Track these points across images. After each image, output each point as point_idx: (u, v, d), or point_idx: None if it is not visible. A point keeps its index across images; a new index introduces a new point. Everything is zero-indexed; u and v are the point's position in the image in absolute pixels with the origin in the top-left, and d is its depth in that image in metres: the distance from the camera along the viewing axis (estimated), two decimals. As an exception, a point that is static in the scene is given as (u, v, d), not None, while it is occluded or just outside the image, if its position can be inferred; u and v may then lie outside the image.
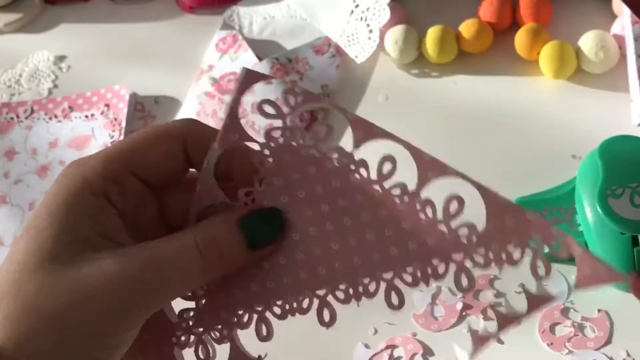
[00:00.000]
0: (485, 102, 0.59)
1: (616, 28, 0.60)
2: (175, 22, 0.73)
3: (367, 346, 0.48)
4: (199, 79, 0.66)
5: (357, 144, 0.30)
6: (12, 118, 0.67)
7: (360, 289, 0.30)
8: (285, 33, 0.69)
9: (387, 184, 0.29)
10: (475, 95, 0.59)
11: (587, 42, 0.58)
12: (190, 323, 0.32)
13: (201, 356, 0.33)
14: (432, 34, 0.61)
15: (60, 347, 0.26)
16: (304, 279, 0.31)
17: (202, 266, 0.29)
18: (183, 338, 0.33)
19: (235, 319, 0.32)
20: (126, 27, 0.74)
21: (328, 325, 0.31)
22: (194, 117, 0.63)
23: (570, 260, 0.51)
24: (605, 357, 0.45)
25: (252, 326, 0.32)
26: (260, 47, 0.67)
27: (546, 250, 0.49)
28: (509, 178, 0.54)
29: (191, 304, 0.33)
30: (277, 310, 0.31)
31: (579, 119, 0.57)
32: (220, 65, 0.66)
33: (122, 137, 0.63)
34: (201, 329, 0.32)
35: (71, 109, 0.67)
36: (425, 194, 0.29)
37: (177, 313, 0.33)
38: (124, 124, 0.64)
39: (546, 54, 0.58)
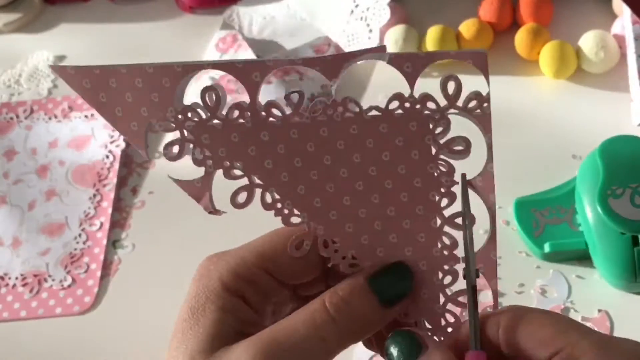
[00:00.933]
0: (485, 102, 0.59)
1: (616, 28, 0.60)
2: (175, 22, 0.73)
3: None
4: (199, 78, 0.66)
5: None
6: (11, 118, 0.67)
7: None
8: (285, 33, 0.69)
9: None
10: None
11: (588, 42, 0.58)
12: None
13: None
14: (432, 33, 0.61)
15: None
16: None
17: (333, 328, 0.28)
18: None
19: None
20: (126, 27, 0.74)
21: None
22: (193, 117, 0.63)
23: (570, 259, 0.51)
24: (606, 357, 0.45)
25: None
26: (260, 47, 0.67)
27: (547, 250, 0.50)
28: (509, 178, 0.54)
29: None
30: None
31: (579, 119, 0.57)
32: (220, 65, 0.66)
33: (121, 137, 0.63)
34: None
35: (71, 109, 0.67)
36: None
37: None
38: (123, 124, 0.64)
39: (546, 54, 0.58)
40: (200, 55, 0.69)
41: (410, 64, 0.29)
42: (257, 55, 0.66)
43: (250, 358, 0.27)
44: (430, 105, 0.29)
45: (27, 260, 0.58)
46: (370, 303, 0.29)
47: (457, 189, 0.29)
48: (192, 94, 0.67)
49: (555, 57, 0.58)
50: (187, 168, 0.66)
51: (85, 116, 0.66)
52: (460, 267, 0.30)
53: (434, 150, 0.29)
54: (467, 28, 0.61)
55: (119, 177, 0.61)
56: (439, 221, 0.29)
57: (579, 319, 0.47)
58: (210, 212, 0.32)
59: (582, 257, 0.49)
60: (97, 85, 0.29)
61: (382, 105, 0.29)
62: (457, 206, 0.29)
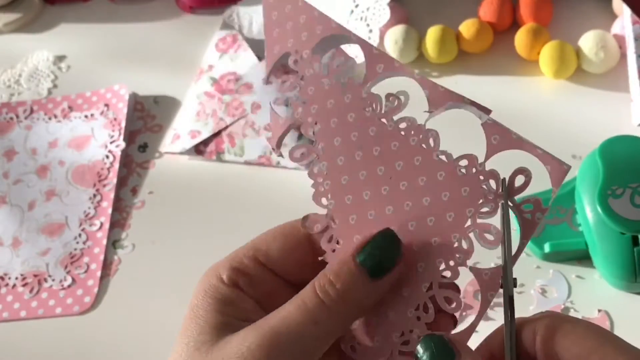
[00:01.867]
0: (485, 102, 0.58)
1: (616, 28, 0.60)
2: (175, 22, 0.73)
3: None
4: (199, 78, 0.66)
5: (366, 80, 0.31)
6: (11, 118, 0.67)
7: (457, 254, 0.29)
8: (285, 33, 0.69)
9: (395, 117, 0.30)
10: (475, 95, 0.59)
11: (587, 42, 0.58)
12: None
13: None
14: (432, 34, 0.61)
15: None
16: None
17: (327, 312, 0.28)
18: None
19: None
20: (126, 27, 0.74)
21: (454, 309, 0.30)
22: (193, 116, 0.63)
23: (570, 259, 0.51)
24: (606, 357, 0.45)
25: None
26: (260, 47, 0.67)
27: (547, 250, 0.50)
28: (509, 178, 0.54)
29: None
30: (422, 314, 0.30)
31: (579, 119, 0.57)
32: (220, 65, 0.66)
33: (121, 137, 0.63)
34: None
35: (71, 108, 0.67)
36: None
37: None
38: (123, 124, 0.64)
39: (546, 54, 0.58)
40: (200, 55, 0.69)
41: (499, 137, 0.31)
42: (257, 55, 0.65)
43: (248, 345, 0.27)
44: (492, 183, 0.29)
45: (27, 260, 0.58)
46: (359, 279, 0.29)
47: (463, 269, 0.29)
48: (191, 94, 0.66)
49: (555, 57, 0.58)
50: (187, 168, 0.66)
51: (85, 116, 0.66)
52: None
53: (468, 223, 0.29)
54: (467, 28, 0.61)
55: (119, 177, 0.61)
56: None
57: (579, 319, 0.47)
58: (272, 149, 0.33)
59: (582, 257, 0.49)
60: (278, 5, 0.32)
61: (454, 154, 0.30)
62: (460, 280, 0.29)
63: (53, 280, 0.56)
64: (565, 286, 0.49)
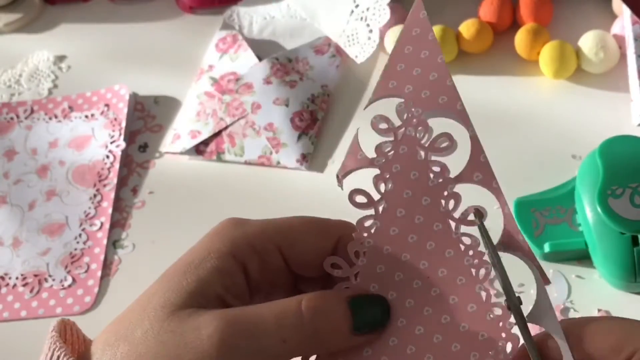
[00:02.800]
0: (485, 102, 0.59)
1: (616, 28, 0.60)
2: (175, 22, 0.73)
3: None
4: (199, 78, 0.66)
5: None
6: (12, 118, 0.67)
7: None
8: (285, 33, 0.69)
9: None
10: (475, 95, 0.59)
11: (587, 42, 0.58)
12: None
13: None
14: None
15: None
16: None
17: (300, 333, 0.27)
18: None
19: None
20: (126, 27, 0.74)
21: None
22: (194, 116, 0.63)
23: (570, 259, 0.51)
24: (606, 357, 0.45)
25: None
26: (260, 47, 0.67)
27: (547, 250, 0.50)
28: (509, 178, 0.54)
29: None
30: None
31: (579, 119, 0.57)
32: (220, 65, 0.66)
33: (122, 137, 0.63)
34: None
35: (71, 109, 0.67)
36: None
37: None
38: (123, 124, 0.64)
39: (546, 54, 0.58)
40: (200, 55, 0.69)
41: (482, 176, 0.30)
42: (257, 56, 0.66)
43: (210, 330, 0.26)
44: (508, 345, 0.29)
45: (28, 260, 0.58)
46: (343, 323, 0.28)
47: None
48: (192, 94, 0.66)
49: (555, 57, 0.58)
50: (188, 168, 0.66)
51: (86, 116, 0.66)
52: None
53: None
54: (467, 28, 0.61)
55: (119, 177, 0.61)
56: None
57: (578, 319, 0.47)
58: (337, 177, 0.31)
59: (582, 257, 0.49)
60: (417, 43, 0.31)
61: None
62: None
63: (53, 280, 0.56)
64: (565, 286, 0.49)
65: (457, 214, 0.29)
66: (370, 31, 0.63)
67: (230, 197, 0.59)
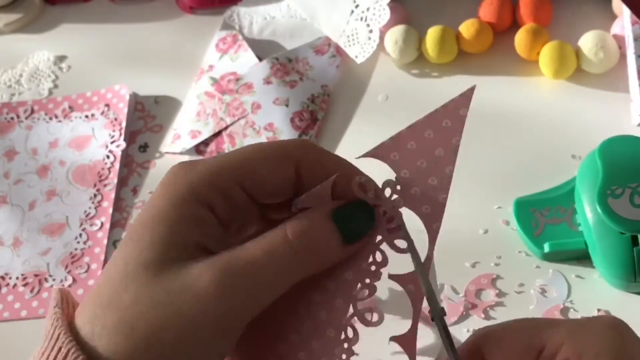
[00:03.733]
0: (485, 102, 0.59)
1: (616, 28, 0.60)
2: (175, 22, 0.73)
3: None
4: (199, 78, 0.66)
5: None
6: (12, 118, 0.67)
7: (345, 345, 0.29)
8: (285, 33, 0.69)
9: None
10: (475, 95, 0.59)
11: (587, 42, 0.58)
12: None
13: None
14: (432, 34, 0.61)
15: None
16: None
17: (293, 260, 0.27)
18: None
19: None
20: (126, 27, 0.74)
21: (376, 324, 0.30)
22: (194, 116, 0.63)
23: (570, 259, 0.51)
24: (605, 357, 0.45)
25: None
26: (260, 47, 0.67)
27: (547, 249, 0.50)
28: (509, 178, 0.54)
29: None
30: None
31: (579, 119, 0.57)
32: (220, 65, 0.66)
33: (122, 137, 0.63)
34: None
35: (71, 109, 0.67)
36: None
37: None
38: (124, 124, 0.64)
39: (546, 54, 0.58)
40: (200, 55, 0.69)
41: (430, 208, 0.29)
42: (258, 56, 0.66)
43: (206, 281, 0.26)
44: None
45: (28, 260, 0.58)
46: (331, 237, 0.28)
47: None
48: (192, 94, 0.66)
49: (555, 58, 0.58)
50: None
51: (86, 116, 0.66)
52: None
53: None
54: (467, 28, 0.61)
55: (119, 177, 0.61)
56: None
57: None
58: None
59: (582, 257, 0.49)
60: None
61: None
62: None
63: (54, 280, 0.56)
64: (565, 286, 0.49)
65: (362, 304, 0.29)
66: (370, 31, 0.63)
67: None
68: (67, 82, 0.70)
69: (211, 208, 0.28)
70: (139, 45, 0.72)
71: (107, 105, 0.66)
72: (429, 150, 0.29)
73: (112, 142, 0.63)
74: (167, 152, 0.62)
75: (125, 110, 0.65)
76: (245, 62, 0.65)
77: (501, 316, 0.48)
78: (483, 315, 0.48)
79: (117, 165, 0.62)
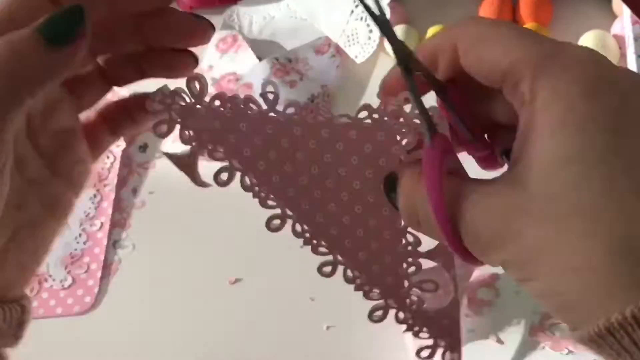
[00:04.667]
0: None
1: (616, 28, 0.60)
2: (175, 22, 0.73)
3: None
4: (199, 79, 0.66)
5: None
6: (12, 118, 0.67)
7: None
8: (285, 33, 0.69)
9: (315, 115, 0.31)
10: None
11: (587, 42, 0.58)
12: None
13: None
14: (432, 33, 0.61)
15: None
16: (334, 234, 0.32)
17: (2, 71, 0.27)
18: None
19: None
20: (126, 27, 0.74)
21: None
22: (194, 117, 0.63)
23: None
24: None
25: None
26: (260, 47, 0.67)
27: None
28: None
29: None
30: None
31: (579, 119, 0.57)
32: (220, 65, 0.66)
33: (121, 137, 0.63)
34: None
35: (71, 109, 0.67)
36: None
37: None
38: (124, 124, 0.64)
39: (546, 54, 0.58)
40: (200, 55, 0.68)
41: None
42: (258, 56, 0.66)
43: None
44: (400, 119, 0.30)
45: (28, 261, 0.58)
46: (37, 44, 0.27)
47: None
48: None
49: (555, 57, 0.58)
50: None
51: (86, 116, 0.66)
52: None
53: (401, 158, 0.30)
54: (467, 28, 0.61)
55: (119, 177, 0.61)
56: (403, 223, 0.32)
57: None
58: (198, 185, 0.34)
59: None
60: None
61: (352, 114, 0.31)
62: None
63: (53, 280, 0.56)
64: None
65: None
66: (370, 31, 0.63)
67: (230, 197, 0.59)
68: (67, 82, 0.70)
69: None
70: (139, 45, 0.72)
71: (106, 105, 0.66)
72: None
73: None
74: (167, 153, 0.62)
75: (125, 110, 0.65)
76: (245, 62, 0.65)
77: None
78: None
79: (117, 166, 0.62)
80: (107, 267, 0.57)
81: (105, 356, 0.53)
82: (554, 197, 0.23)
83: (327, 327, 0.50)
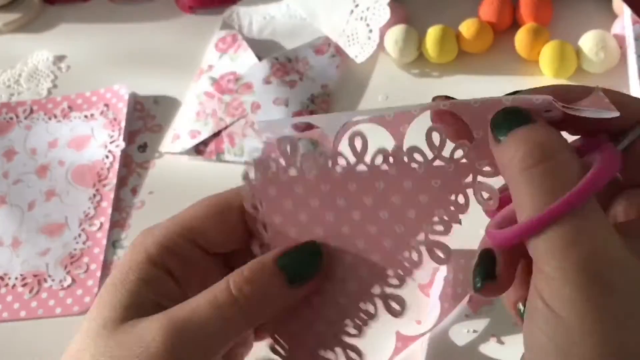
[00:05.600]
0: (486, 102, 0.58)
1: (616, 28, 0.60)
2: (175, 22, 0.73)
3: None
4: (199, 78, 0.66)
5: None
6: (11, 118, 0.67)
7: (406, 264, 0.30)
8: (285, 33, 0.69)
9: (367, 158, 0.30)
10: (475, 95, 0.59)
11: (588, 41, 0.58)
12: None
13: None
14: (432, 33, 0.61)
15: None
16: (355, 290, 0.31)
17: (238, 310, 0.28)
18: None
19: None
20: (125, 27, 0.74)
21: (400, 313, 0.31)
22: (193, 116, 0.63)
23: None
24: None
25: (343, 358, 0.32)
26: (260, 47, 0.67)
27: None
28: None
29: None
30: (352, 330, 0.31)
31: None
32: (220, 65, 0.66)
33: (121, 137, 0.63)
34: None
35: (70, 109, 0.67)
36: (405, 145, 0.29)
37: None
38: (123, 124, 0.64)
39: (546, 53, 0.58)
40: (199, 55, 0.68)
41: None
42: (257, 55, 0.65)
43: (153, 332, 0.27)
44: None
45: (27, 261, 0.58)
46: (276, 282, 0.29)
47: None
48: (191, 94, 0.66)
49: (555, 57, 0.58)
50: (187, 168, 0.66)
51: (85, 116, 0.66)
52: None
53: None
54: (467, 28, 0.61)
55: (118, 177, 0.61)
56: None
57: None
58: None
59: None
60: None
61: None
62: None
63: (53, 280, 0.56)
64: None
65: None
66: (370, 31, 0.63)
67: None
68: (66, 82, 0.70)
69: (166, 268, 0.30)
70: (139, 45, 0.72)
71: (106, 105, 0.66)
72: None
73: (111, 142, 0.63)
74: (166, 152, 0.62)
75: (125, 110, 0.65)
76: (245, 61, 0.65)
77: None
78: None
79: (116, 165, 0.61)
80: (106, 267, 0.57)
81: (105, 356, 0.53)
82: None
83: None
